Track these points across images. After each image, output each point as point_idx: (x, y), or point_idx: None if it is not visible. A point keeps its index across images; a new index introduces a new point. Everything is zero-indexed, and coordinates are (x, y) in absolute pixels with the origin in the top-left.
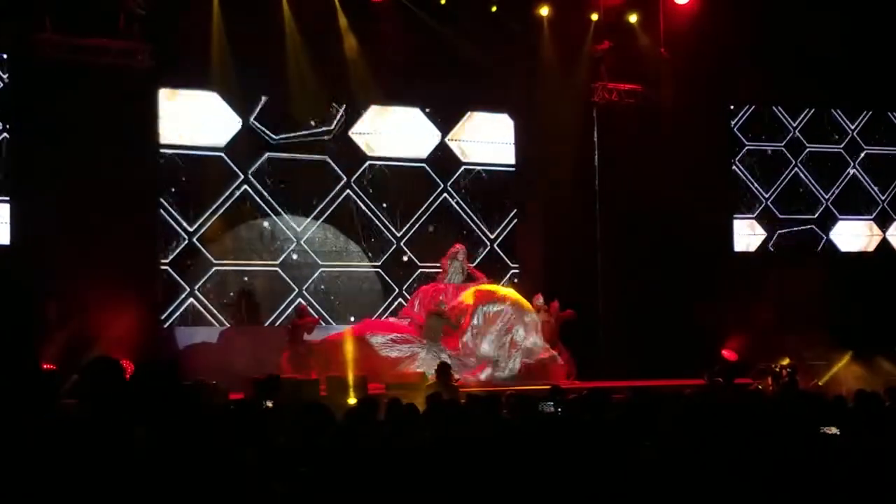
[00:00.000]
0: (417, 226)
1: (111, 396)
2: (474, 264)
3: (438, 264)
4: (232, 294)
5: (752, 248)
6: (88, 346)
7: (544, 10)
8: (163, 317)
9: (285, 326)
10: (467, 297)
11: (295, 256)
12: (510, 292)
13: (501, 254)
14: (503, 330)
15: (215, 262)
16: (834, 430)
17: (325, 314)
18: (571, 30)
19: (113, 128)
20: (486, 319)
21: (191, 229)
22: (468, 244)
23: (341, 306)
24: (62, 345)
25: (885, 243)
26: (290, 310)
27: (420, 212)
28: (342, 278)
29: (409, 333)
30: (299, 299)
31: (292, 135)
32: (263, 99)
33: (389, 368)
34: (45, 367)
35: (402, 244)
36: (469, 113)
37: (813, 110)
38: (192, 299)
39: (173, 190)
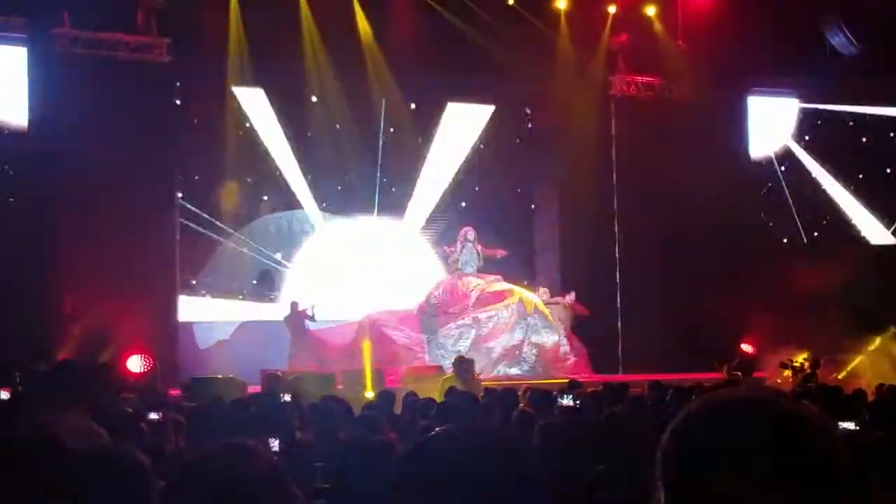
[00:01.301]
0: None
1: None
2: None
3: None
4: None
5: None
6: (103, 341)
7: (562, 3)
8: (178, 311)
9: (285, 322)
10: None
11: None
12: (511, 293)
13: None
14: (497, 333)
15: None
16: (851, 426)
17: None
18: (589, 23)
19: (133, 121)
20: (479, 323)
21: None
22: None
23: None
24: (77, 339)
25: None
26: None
27: None
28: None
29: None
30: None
31: None
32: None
33: (401, 356)
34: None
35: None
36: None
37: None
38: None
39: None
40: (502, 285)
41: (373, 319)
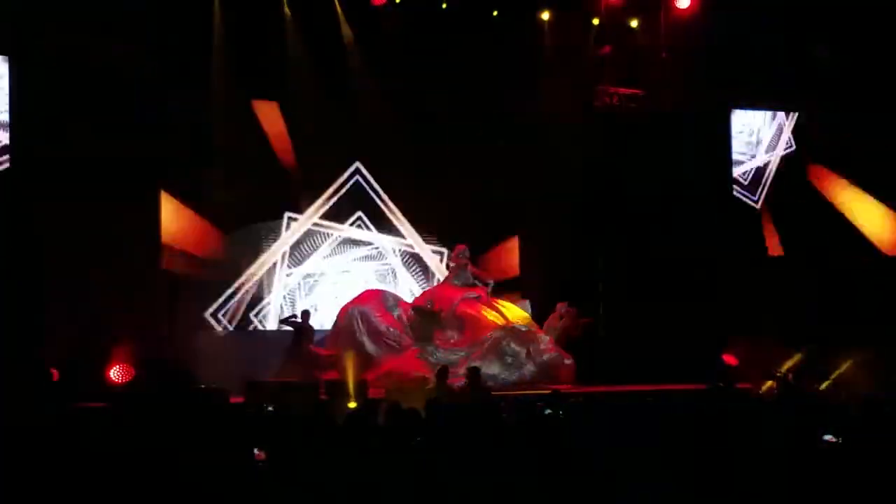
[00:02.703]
0: None
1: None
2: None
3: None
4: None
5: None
6: (95, 348)
7: (545, 15)
8: (167, 318)
9: (288, 323)
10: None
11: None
12: (496, 318)
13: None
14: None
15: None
16: (834, 439)
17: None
18: (573, 34)
19: (117, 127)
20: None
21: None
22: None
23: None
24: (70, 345)
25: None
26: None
27: None
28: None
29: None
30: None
31: None
32: None
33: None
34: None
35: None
36: None
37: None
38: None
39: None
40: (488, 313)
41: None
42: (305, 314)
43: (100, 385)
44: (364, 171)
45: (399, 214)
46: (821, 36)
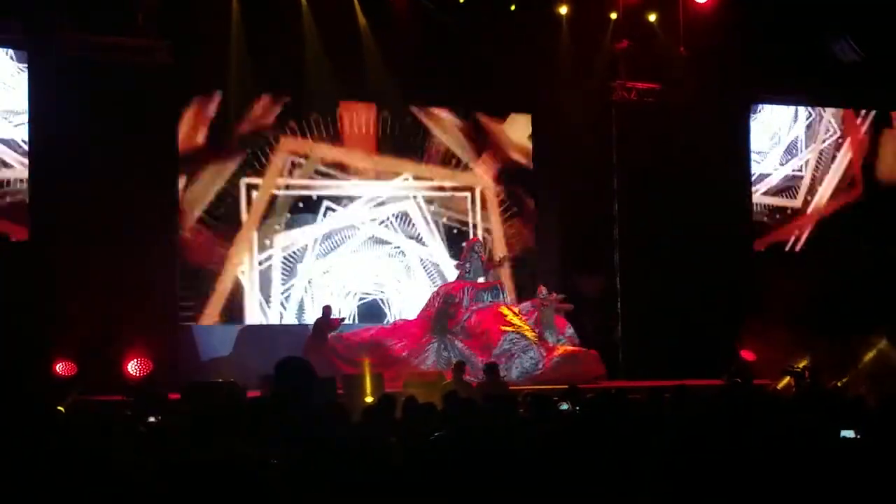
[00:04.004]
0: None
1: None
2: None
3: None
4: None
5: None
6: (106, 344)
7: (563, 9)
8: (181, 314)
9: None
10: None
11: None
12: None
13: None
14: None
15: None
16: (852, 434)
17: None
18: (590, 28)
19: (133, 124)
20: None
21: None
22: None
23: None
24: (80, 342)
25: None
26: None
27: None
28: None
29: (418, 330)
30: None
31: None
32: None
33: (405, 363)
34: (60, 366)
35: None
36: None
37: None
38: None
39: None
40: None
41: (376, 344)
42: (327, 309)
43: (118, 378)
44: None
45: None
46: (842, 30)
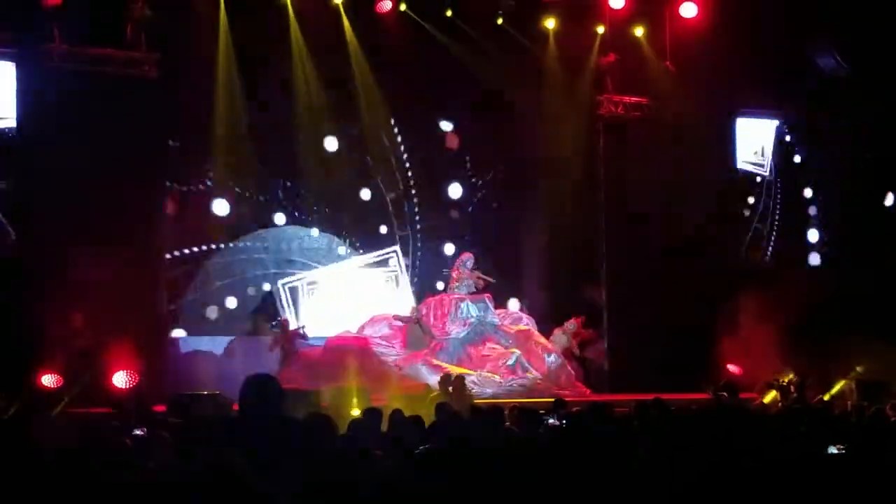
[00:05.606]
0: None
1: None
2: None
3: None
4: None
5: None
6: (92, 356)
7: (550, 23)
8: (166, 326)
9: (274, 341)
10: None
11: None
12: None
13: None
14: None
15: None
16: (838, 448)
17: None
18: (577, 42)
19: (121, 136)
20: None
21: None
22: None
23: None
24: (66, 354)
25: None
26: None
27: None
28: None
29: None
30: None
31: None
32: None
33: (391, 375)
34: (44, 378)
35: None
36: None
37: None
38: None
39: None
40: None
41: (361, 343)
42: (285, 322)
43: (103, 391)
44: None
45: None
46: (825, 44)
